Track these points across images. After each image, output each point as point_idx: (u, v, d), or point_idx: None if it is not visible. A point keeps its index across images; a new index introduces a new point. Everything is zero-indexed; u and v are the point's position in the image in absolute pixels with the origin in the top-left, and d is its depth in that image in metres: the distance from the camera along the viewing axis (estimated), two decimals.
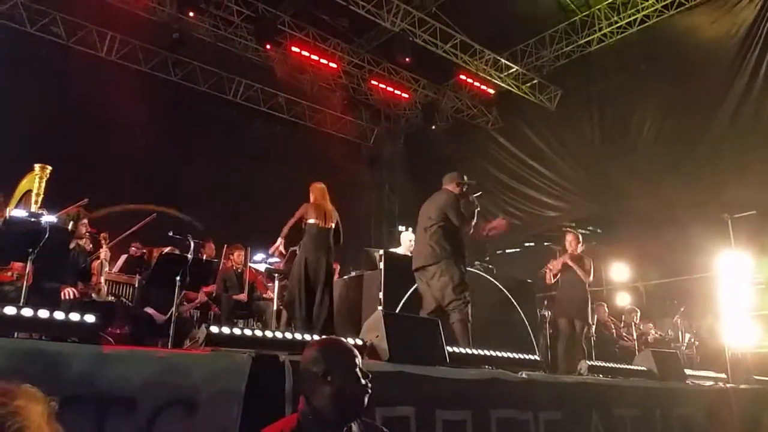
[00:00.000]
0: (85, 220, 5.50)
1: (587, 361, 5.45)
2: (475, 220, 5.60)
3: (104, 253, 5.79)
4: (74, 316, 2.53)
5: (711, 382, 6.37)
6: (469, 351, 4.53)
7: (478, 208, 5.76)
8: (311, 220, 6.07)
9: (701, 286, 9.56)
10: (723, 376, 6.91)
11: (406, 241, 7.53)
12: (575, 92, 12.41)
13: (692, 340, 9.77)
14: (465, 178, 5.84)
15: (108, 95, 10.28)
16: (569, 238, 7.73)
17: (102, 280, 5.76)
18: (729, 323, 8.55)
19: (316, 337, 3.29)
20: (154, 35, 10.96)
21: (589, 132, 11.96)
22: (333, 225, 6.23)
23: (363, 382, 2.10)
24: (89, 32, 10.58)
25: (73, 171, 8.25)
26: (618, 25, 11.14)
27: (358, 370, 2.12)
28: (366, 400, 2.11)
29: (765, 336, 8.36)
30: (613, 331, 9.37)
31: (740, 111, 9.97)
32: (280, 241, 6.14)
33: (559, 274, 7.61)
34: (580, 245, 7.67)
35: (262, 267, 7.97)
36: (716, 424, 5.62)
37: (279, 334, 3.37)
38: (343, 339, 2.43)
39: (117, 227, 6.88)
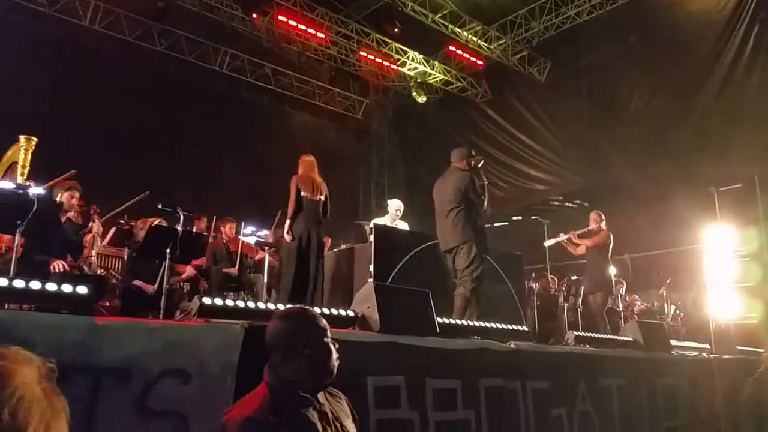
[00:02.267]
0: (76, 193, 5.43)
1: (574, 332, 5.54)
2: (486, 195, 5.73)
3: (96, 227, 5.74)
4: (66, 288, 2.52)
5: (695, 353, 6.50)
6: (458, 322, 4.59)
7: (487, 182, 5.88)
8: (302, 193, 6.05)
9: (687, 258, 9.70)
10: (707, 346, 7.05)
11: (393, 210, 7.52)
12: (564, 65, 12.37)
13: (677, 311, 9.94)
14: (473, 152, 5.94)
15: (91, 65, 10.14)
16: (593, 216, 7.91)
17: (93, 253, 5.73)
18: (713, 295, 8.70)
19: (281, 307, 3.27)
20: (138, 4, 10.74)
21: (578, 105, 11.97)
22: (322, 197, 6.20)
23: (335, 354, 2.09)
24: (72, 0, 10.33)
25: (56, 141, 8.13)
26: None
27: (329, 341, 2.10)
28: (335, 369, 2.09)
29: (748, 307, 8.51)
30: None
31: (727, 85, 10.02)
32: (288, 223, 6.09)
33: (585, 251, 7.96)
34: (603, 222, 7.85)
35: (252, 240, 7.95)
36: (700, 394, 5.75)
37: (271, 305, 3.38)
38: (309, 308, 2.36)
39: (108, 203, 6.80)
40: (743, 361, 6.34)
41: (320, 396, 2.09)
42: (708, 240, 8.92)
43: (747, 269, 8.68)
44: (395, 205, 7.57)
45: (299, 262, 5.95)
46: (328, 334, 2.12)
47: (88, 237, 5.62)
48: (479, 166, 5.85)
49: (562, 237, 8.17)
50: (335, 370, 2.08)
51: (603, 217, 7.98)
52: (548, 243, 8.24)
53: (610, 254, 7.93)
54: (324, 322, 2.14)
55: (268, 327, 2.11)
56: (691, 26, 10.38)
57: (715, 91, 10.14)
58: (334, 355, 2.09)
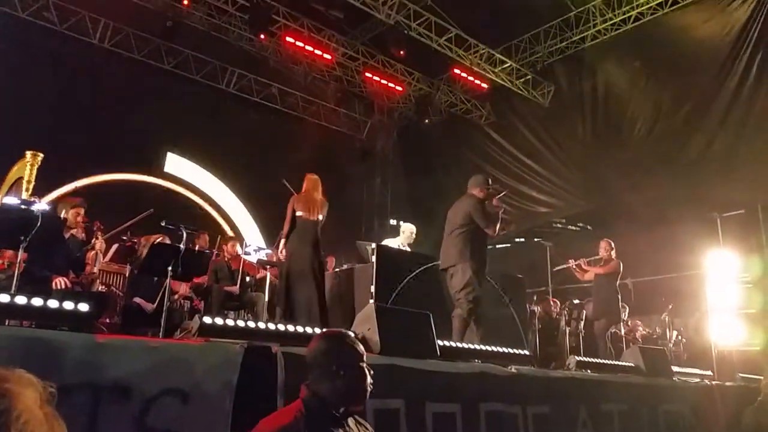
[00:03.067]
0: (81, 210, 5.46)
1: (575, 357, 5.51)
2: (500, 223, 5.79)
3: (99, 244, 5.75)
4: (68, 305, 2.53)
5: (697, 379, 6.45)
6: (459, 345, 4.57)
7: (503, 210, 5.96)
8: (298, 213, 6.03)
9: (689, 283, 9.66)
10: (709, 373, 7.00)
11: (408, 233, 7.55)
12: (568, 89, 12.45)
13: (679, 337, 9.88)
14: (490, 181, 6.04)
15: (100, 82, 10.28)
16: (603, 245, 7.91)
17: (96, 270, 5.74)
18: (716, 321, 8.66)
19: (317, 330, 3.33)
20: (147, 23, 10.88)
21: (581, 129, 12.01)
22: (319, 217, 6.09)
23: (369, 380, 2.20)
24: (82, 18, 10.48)
25: (65, 158, 8.22)
26: (612, 21, 11.17)
27: (365, 366, 2.22)
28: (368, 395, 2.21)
29: (750, 334, 8.46)
30: None
31: (731, 111, 10.04)
32: (282, 242, 6.08)
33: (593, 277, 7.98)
34: (613, 251, 7.85)
35: (254, 258, 7.97)
36: (702, 421, 5.70)
37: (271, 326, 3.38)
38: (349, 332, 2.52)
39: (111, 219, 6.83)
40: (745, 388, 6.28)
41: (351, 422, 2.19)
42: (710, 265, 8.90)
43: (749, 296, 8.65)
44: (410, 228, 7.59)
45: (292, 282, 5.90)
46: (364, 358, 2.24)
47: (91, 253, 5.64)
48: (499, 196, 5.97)
49: (572, 263, 8.14)
50: (367, 395, 2.20)
51: (613, 246, 7.95)
52: (558, 269, 8.22)
53: (618, 282, 7.90)
54: (361, 346, 2.28)
55: (309, 346, 2.26)
56: (695, 52, 10.44)
57: (719, 117, 10.16)
58: (369, 380, 2.20)
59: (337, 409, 2.13)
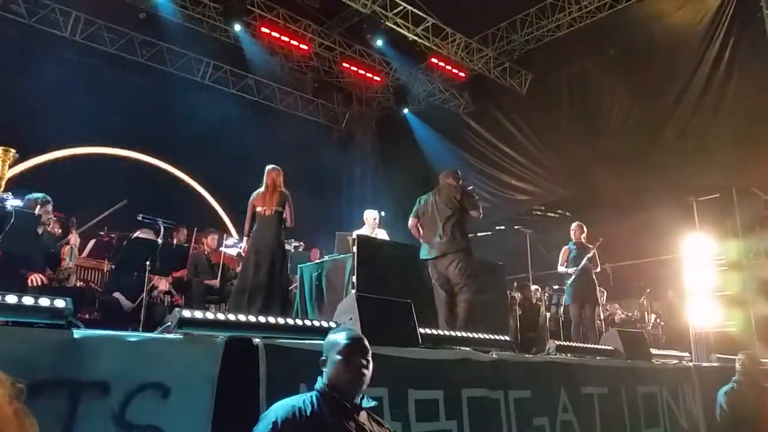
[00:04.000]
0: (49, 206, 5.36)
1: (555, 341, 5.56)
2: (480, 207, 6.04)
3: (74, 238, 5.67)
4: (44, 301, 2.49)
5: (675, 361, 6.55)
6: (440, 332, 4.59)
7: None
8: (258, 209, 6.00)
9: (667, 267, 9.82)
10: (686, 355, 7.11)
11: (371, 220, 7.54)
12: (545, 77, 12.52)
13: (658, 320, 10.04)
14: (459, 173, 6.27)
15: (72, 76, 10.07)
16: (573, 227, 7.93)
17: (71, 265, 5.66)
18: (693, 304, 8.81)
19: (306, 322, 3.53)
20: (120, 15, 10.70)
21: (559, 116, 12.10)
22: (274, 210, 6.00)
23: (358, 373, 2.39)
24: (52, 11, 10.27)
25: (35, 152, 8.07)
26: (587, 9, 11.23)
27: (349, 359, 2.40)
28: (365, 375, 2.42)
29: (727, 316, 8.63)
30: None
31: (704, 97, 10.17)
32: (245, 240, 6.09)
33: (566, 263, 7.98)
34: (583, 234, 7.87)
35: (234, 251, 7.92)
36: (679, 401, 5.80)
37: (252, 318, 3.35)
38: (339, 326, 2.92)
39: (86, 213, 6.73)
40: (721, 368, 6.41)
41: (364, 417, 2.41)
42: (687, 249, 9.05)
43: (726, 278, 8.81)
44: (372, 214, 7.61)
45: (252, 275, 5.84)
46: (349, 351, 2.42)
47: (66, 248, 5.56)
48: (462, 184, 6.11)
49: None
50: (351, 388, 2.38)
51: (584, 229, 8.00)
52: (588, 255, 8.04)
53: (598, 268, 7.97)
54: (343, 338, 2.47)
55: (328, 337, 2.57)
56: (668, 39, 10.55)
57: (694, 103, 10.29)
58: (356, 373, 2.38)
59: (331, 396, 2.33)
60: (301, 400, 2.32)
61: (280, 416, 2.24)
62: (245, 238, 6.08)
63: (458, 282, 5.74)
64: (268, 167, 6.21)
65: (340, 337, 2.49)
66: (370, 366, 2.46)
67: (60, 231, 5.83)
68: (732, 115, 9.71)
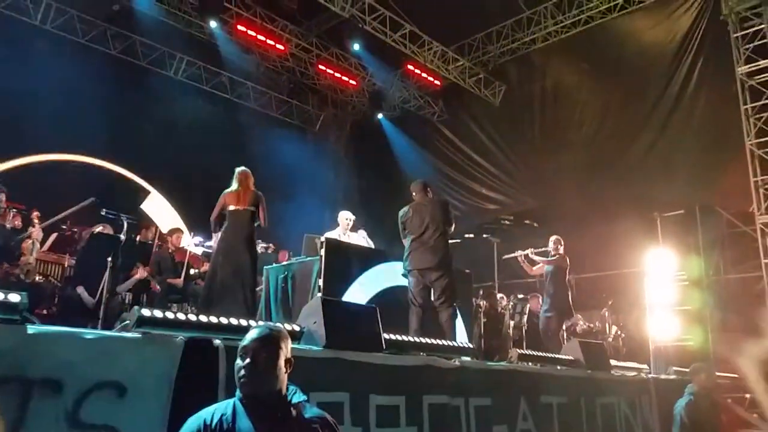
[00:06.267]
0: (2, 196, 5.21)
1: (518, 350, 5.61)
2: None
3: (36, 232, 5.52)
4: None
5: (634, 373, 6.67)
6: (405, 338, 4.59)
7: None
8: (230, 207, 5.94)
9: (629, 280, 9.99)
10: (645, 367, 7.24)
11: (343, 221, 7.51)
12: (518, 88, 12.69)
13: (619, 332, 10.19)
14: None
15: (41, 66, 9.82)
16: (553, 239, 8.01)
17: (32, 259, 5.51)
18: (654, 317, 8.99)
19: (252, 322, 3.28)
20: (92, 5, 10.50)
21: (530, 128, 12.27)
22: (249, 206, 5.96)
23: (243, 372, 2.16)
24: None
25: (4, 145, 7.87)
26: (563, 24, 11.42)
27: (240, 356, 2.19)
28: (246, 377, 2.16)
29: (686, 330, 8.82)
30: None
31: (672, 116, 10.43)
32: (214, 236, 6.04)
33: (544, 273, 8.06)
34: (561, 247, 7.97)
35: (199, 250, 7.82)
36: (637, 412, 5.91)
37: (213, 319, 3.31)
38: (254, 325, 2.53)
39: (50, 207, 6.56)
40: (678, 381, 6.54)
41: (294, 411, 2.20)
42: (650, 264, 9.22)
43: (686, 294, 9.01)
44: (345, 215, 7.58)
45: (220, 274, 5.79)
46: (242, 349, 2.19)
47: (27, 243, 5.41)
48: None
49: (520, 253, 8.29)
50: (243, 387, 2.15)
51: (562, 243, 8.09)
52: (507, 257, 8.38)
53: (567, 278, 8.05)
54: (246, 337, 2.23)
55: None
56: (640, 56, 10.78)
57: (662, 121, 10.53)
58: (242, 372, 2.15)
59: (264, 402, 2.17)
60: (217, 408, 2.14)
61: (185, 429, 2.08)
62: (214, 235, 6.01)
63: (440, 297, 5.83)
64: (238, 169, 6.14)
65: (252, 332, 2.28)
66: (263, 363, 2.17)
67: (20, 224, 5.68)
68: (698, 135, 9.96)
